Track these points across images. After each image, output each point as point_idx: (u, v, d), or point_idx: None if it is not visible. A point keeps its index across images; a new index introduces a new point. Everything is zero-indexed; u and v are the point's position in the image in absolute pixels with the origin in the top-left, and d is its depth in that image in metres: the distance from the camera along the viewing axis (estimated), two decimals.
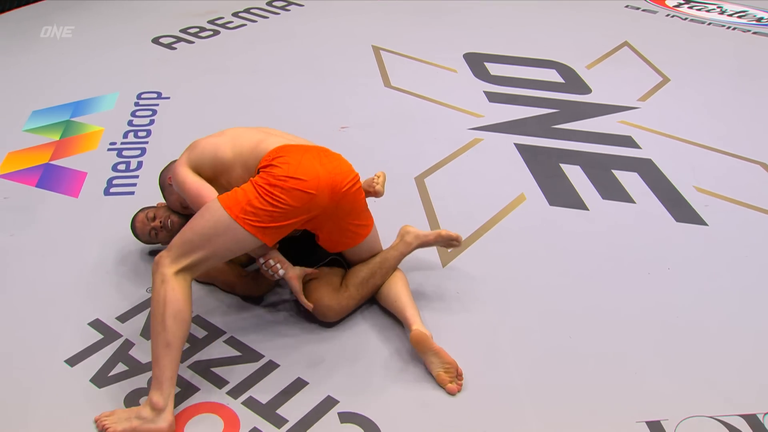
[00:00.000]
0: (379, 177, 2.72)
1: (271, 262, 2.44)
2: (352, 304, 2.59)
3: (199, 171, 2.50)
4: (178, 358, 2.16)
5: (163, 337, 2.13)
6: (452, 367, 2.35)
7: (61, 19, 5.55)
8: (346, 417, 2.23)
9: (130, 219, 2.87)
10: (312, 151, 2.42)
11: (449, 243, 2.76)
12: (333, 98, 4.42)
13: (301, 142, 2.51)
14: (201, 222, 2.26)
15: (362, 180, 2.63)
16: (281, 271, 2.44)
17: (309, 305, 2.50)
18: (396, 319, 2.61)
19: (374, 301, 2.68)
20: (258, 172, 2.35)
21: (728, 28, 5.88)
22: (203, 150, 2.52)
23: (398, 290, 2.59)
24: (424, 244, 2.74)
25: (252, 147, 2.46)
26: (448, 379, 2.33)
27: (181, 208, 2.71)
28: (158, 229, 2.76)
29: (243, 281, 2.70)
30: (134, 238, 2.88)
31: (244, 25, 5.59)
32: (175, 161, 2.69)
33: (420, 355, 2.41)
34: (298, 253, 2.62)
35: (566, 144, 3.94)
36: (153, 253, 2.93)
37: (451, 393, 2.32)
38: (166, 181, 2.72)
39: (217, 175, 2.51)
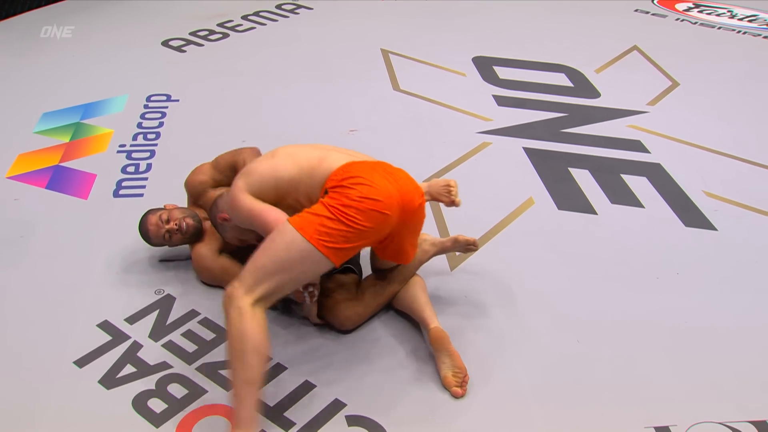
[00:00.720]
0: (453, 187, 2.59)
1: (312, 288, 2.42)
2: (368, 312, 2.59)
3: (261, 196, 2.36)
4: (259, 394, 2.10)
5: (244, 374, 2.05)
6: (461, 372, 2.35)
7: (68, 21, 5.58)
8: (353, 420, 2.23)
9: (139, 221, 2.83)
10: (379, 168, 2.32)
11: (466, 248, 2.72)
12: (342, 101, 4.43)
13: (361, 158, 2.41)
14: (273, 246, 2.15)
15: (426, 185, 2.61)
16: (314, 299, 2.44)
17: (318, 321, 2.53)
18: (405, 324, 2.61)
19: (385, 306, 2.68)
20: (326, 192, 2.26)
21: (738, 32, 5.86)
22: (262, 174, 2.37)
23: (416, 292, 2.58)
24: (442, 250, 2.73)
25: (315, 164, 2.35)
26: (454, 382, 2.33)
27: (238, 242, 2.57)
28: (173, 232, 2.73)
29: None
30: (142, 239, 2.85)
31: (254, 28, 5.61)
32: (220, 196, 2.57)
33: (434, 352, 2.41)
34: None
35: (575, 148, 3.93)
36: (161, 257, 2.93)
37: (455, 396, 2.32)
38: (217, 218, 2.54)
39: (282, 197, 2.39)
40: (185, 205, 2.98)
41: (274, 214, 2.30)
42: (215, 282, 2.76)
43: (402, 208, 2.29)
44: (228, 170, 2.84)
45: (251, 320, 2.07)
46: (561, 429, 2.23)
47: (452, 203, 2.59)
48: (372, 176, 2.24)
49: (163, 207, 2.86)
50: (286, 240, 2.14)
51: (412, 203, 2.34)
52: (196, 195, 2.91)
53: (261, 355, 2.07)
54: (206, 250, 2.76)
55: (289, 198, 2.40)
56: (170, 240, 2.76)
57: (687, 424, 2.24)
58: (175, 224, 2.73)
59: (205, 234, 2.80)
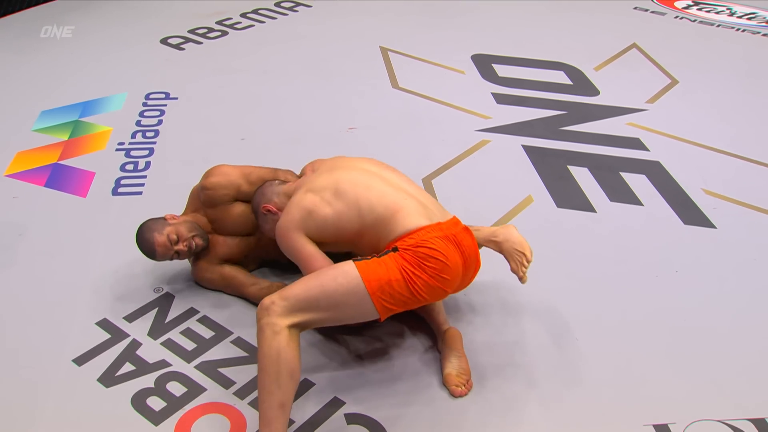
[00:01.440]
0: (529, 262, 2.40)
1: None
2: None
3: (314, 239, 2.33)
4: (288, 418, 2.06)
5: (277, 397, 2.00)
6: (465, 375, 2.35)
7: (67, 19, 5.57)
8: (352, 418, 2.23)
9: (140, 235, 2.64)
10: (452, 239, 2.23)
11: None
12: (341, 99, 4.42)
13: (435, 214, 2.32)
14: (333, 285, 2.09)
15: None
16: None
17: None
18: (405, 323, 2.61)
19: None
20: (396, 249, 2.18)
21: (737, 30, 5.85)
22: (325, 221, 2.31)
23: None
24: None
25: (388, 217, 2.26)
26: (456, 381, 2.33)
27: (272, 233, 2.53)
28: (182, 254, 2.62)
29: (254, 291, 2.66)
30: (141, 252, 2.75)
31: (252, 25, 5.60)
32: (270, 184, 2.57)
33: (445, 350, 2.42)
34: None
35: (574, 146, 3.93)
36: None
37: (454, 395, 2.32)
38: (261, 208, 2.53)
39: (341, 242, 2.36)
40: (184, 206, 2.85)
41: (320, 263, 2.28)
42: (219, 290, 2.75)
43: (461, 282, 2.31)
44: (260, 181, 2.68)
45: (288, 343, 2.02)
46: (560, 427, 2.23)
47: (517, 273, 2.40)
48: (447, 251, 2.18)
49: (163, 218, 2.66)
50: (349, 285, 2.09)
51: (469, 278, 2.34)
52: (213, 203, 2.69)
53: (295, 380, 2.03)
54: (207, 264, 2.73)
55: (346, 245, 2.37)
56: (177, 258, 2.65)
57: (686, 422, 2.24)
58: (185, 245, 2.59)
59: (209, 248, 2.72)
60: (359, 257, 2.19)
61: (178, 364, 2.42)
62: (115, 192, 3.38)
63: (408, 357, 2.48)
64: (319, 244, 2.35)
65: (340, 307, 2.11)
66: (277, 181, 2.61)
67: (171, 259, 2.64)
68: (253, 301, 2.67)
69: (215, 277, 2.71)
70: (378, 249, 2.29)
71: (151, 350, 2.47)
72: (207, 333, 2.56)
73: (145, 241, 2.61)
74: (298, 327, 2.08)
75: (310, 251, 2.31)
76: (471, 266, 2.32)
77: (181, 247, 2.59)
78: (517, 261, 2.41)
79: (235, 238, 2.75)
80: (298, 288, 2.10)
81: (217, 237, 2.74)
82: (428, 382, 2.38)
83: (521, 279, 2.39)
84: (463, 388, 2.33)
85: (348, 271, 2.12)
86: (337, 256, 2.36)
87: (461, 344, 2.44)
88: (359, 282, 2.10)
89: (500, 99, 4.47)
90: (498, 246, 2.47)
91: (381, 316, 2.15)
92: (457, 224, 2.32)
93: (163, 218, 2.66)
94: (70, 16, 5.62)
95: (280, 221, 2.39)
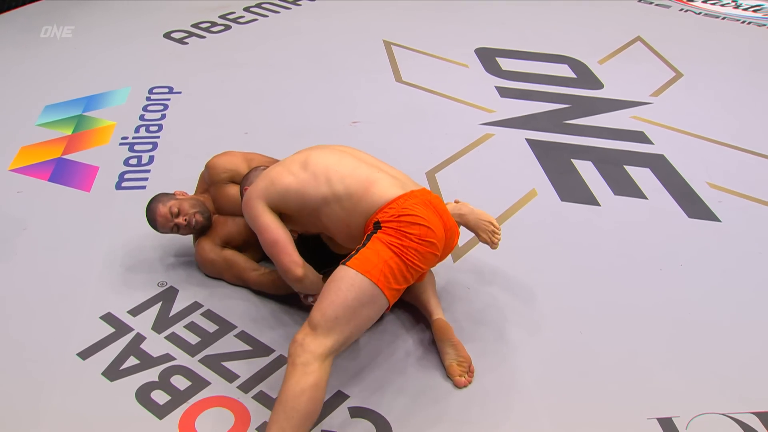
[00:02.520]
0: (498, 233, 2.56)
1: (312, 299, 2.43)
2: None
3: (279, 209, 2.34)
4: None
5: None
6: (466, 362, 2.36)
7: (69, 14, 5.57)
8: (356, 412, 2.23)
9: (148, 204, 2.76)
10: (429, 204, 2.26)
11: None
12: (344, 93, 4.42)
13: (409, 184, 2.33)
14: (343, 294, 2.06)
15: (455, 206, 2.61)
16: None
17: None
18: (408, 315, 2.61)
19: None
20: (377, 224, 2.19)
21: (743, 22, 5.83)
22: (287, 189, 2.31)
23: (424, 284, 2.57)
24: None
25: (361, 191, 2.25)
26: (458, 371, 2.34)
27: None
28: (181, 227, 2.70)
29: (254, 276, 2.69)
30: (147, 228, 2.79)
31: (256, 20, 5.59)
32: (255, 170, 2.63)
33: (438, 343, 2.42)
34: (320, 257, 2.61)
35: (578, 139, 3.92)
36: (164, 249, 2.93)
37: (458, 386, 2.32)
38: (243, 189, 2.60)
39: (304, 215, 2.35)
40: (194, 187, 2.96)
41: (276, 233, 2.30)
42: (217, 275, 2.77)
43: (445, 248, 2.31)
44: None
45: (315, 383, 1.98)
46: (564, 420, 2.23)
47: (490, 244, 2.56)
48: (428, 216, 2.20)
49: (173, 194, 2.79)
50: (356, 286, 2.07)
51: (452, 242, 2.35)
52: (214, 181, 2.82)
53: (311, 422, 2.00)
54: (210, 244, 2.76)
55: (309, 218, 2.34)
56: (178, 232, 2.74)
57: (690, 416, 2.24)
58: (185, 219, 2.69)
59: (211, 228, 2.79)
60: (344, 258, 2.16)
61: (182, 358, 2.42)
62: (118, 186, 3.38)
63: (410, 349, 2.49)
64: (286, 217, 2.36)
65: (358, 312, 2.08)
66: (262, 167, 2.64)
67: (172, 231, 2.73)
68: (253, 288, 2.69)
69: (217, 258, 2.73)
70: (350, 226, 2.28)
71: (156, 344, 2.48)
72: (211, 327, 2.56)
73: (150, 210, 2.74)
74: (332, 354, 2.05)
75: (267, 221, 2.31)
76: (450, 230, 2.33)
77: (180, 220, 2.68)
78: (487, 231, 2.53)
79: (236, 219, 2.78)
80: (317, 315, 2.06)
81: (219, 217, 2.81)
82: (431, 373, 2.38)
83: (493, 247, 2.56)
84: (466, 377, 2.33)
85: (346, 275, 2.10)
86: (321, 257, 2.44)
87: (452, 332, 2.42)
88: (362, 279, 2.08)
89: (504, 92, 4.46)
90: (463, 218, 2.57)
91: (390, 302, 2.15)
92: (429, 193, 2.34)
93: (173, 194, 2.79)
94: (72, 11, 5.62)
95: (246, 192, 2.42)
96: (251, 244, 2.77)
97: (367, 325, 2.16)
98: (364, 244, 2.17)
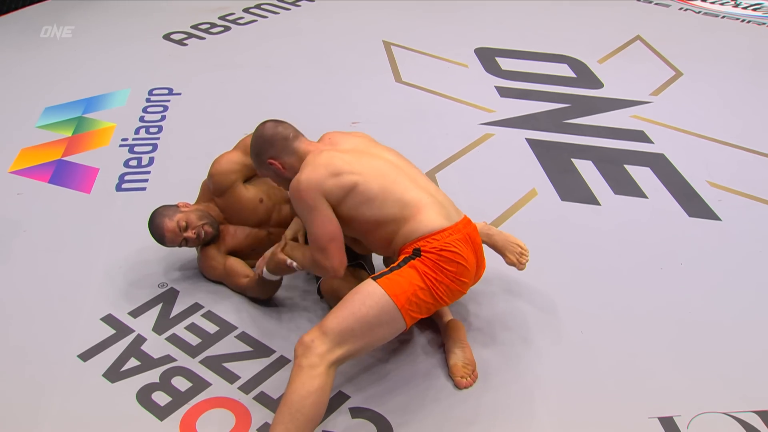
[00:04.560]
0: (526, 257, 2.57)
1: (291, 262, 2.38)
2: None
3: (333, 206, 2.22)
4: None
5: None
6: (470, 365, 2.36)
7: (68, 16, 5.57)
8: (357, 412, 2.23)
9: (151, 219, 2.67)
10: (469, 239, 2.23)
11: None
12: (344, 94, 4.42)
13: (449, 208, 2.30)
14: (364, 309, 2.04)
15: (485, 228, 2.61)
16: (295, 263, 2.38)
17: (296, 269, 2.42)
18: None
19: None
20: (416, 251, 2.16)
21: (742, 21, 5.82)
22: (351, 189, 2.21)
23: None
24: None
25: (409, 215, 2.21)
26: (462, 372, 2.34)
27: (278, 183, 2.45)
28: (191, 241, 2.65)
29: (244, 283, 2.67)
30: (147, 230, 2.76)
31: (255, 21, 5.60)
32: (275, 136, 2.34)
33: (447, 342, 2.43)
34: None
35: (578, 139, 3.92)
36: (165, 251, 2.93)
37: (459, 387, 2.32)
38: (266, 159, 2.35)
39: (354, 222, 2.25)
40: (197, 189, 2.86)
41: (332, 229, 2.19)
42: (219, 280, 2.76)
43: (472, 282, 2.31)
44: None
45: (321, 387, 1.97)
46: (564, 420, 2.23)
47: (517, 265, 2.56)
48: (467, 254, 2.19)
49: (175, 205, 2.70)
50: (379, 305, 2.05)
51: (478, 276, 2.35)
52: (222, 189, 2.71)
53: (314, 425, 1.99)
54: (214, 251, 2.74)
55: (353, 221, 2.25)
56: (186, 245, 2.68)
57: (691, 415, 2.24)
58: (194, 233, 2.62)
59: (219, 237, 2.74)
60: (376, 275, 2.14)
61: (183, 359, 2.42)
62: (119, 188, 3.38)
63: (412, 350, 2.48)
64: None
65: (374, 330, 2.07)
66: (291, 135, 2.37)
67: (180, 245, 2.66)
68: (244, 293, 2.69)
69: (218, 266, 2.72)
70: (389, 245, 2.26)
71: (156, 345, 2.48)
72: (211, 328, 2.56)
73: (156, 226, 2.64)
74: (337, 363, 2.04)
75: (327, 214, 2.19)
76: (480, 264, 2.33)
77: (190, 234, 2.61)
78: (515, 253, 2.55)
79: (245, 229, 2.77)
80: (332, 321, 2.04)
81: (228, 227, 2.77)
82: (433, 374, 2.38)
83: (520, 268, 2.58)
84: (469, 379, 2.33)
85: (373, 292, 2.08)
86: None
87: (464, 335, 2.44)
88: (387, 300, 2.06)
89: (504, 92, 4.46)
90: (491, 239, 2.58)
91: (407, 326, 2.14)
92: (470, 223, 2.32)
93: (176, 206, 2.70)
94: (72, 13, 5.62)
95: (301, 176, 2.22)
96: (258, 252, 2.71)
97: (377, 344, 2.15)
98: (399, 266, 2.15)
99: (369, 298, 2.07)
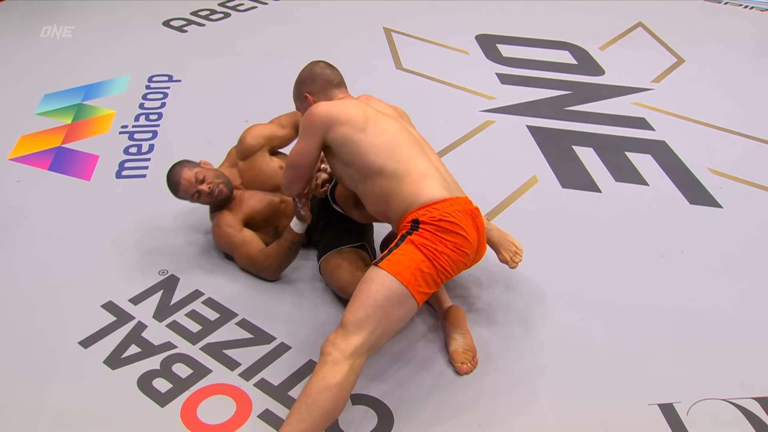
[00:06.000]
0: (520, 256, 2.57)
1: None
2: None
3: (329, 146, 2.30)
4: None
5: (305, 427, 1.93)
6: (471, 352, 2.36)
7: (69, 2, 5.55)
8: (357, 399, 2.24)
9: (171, 168, 2.75)
10: (470, 215, 2.23)
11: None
12: (345, 80, 4.39)
13: (453, 185, 2.31)
14: (374, 295, 2.05)
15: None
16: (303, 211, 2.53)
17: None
18: None
19: None
20: (414, 222, 2.16)
21: (745, 7, 5.79)
22: (359, 143, 2.25)
23: None
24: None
25: (416, 180, 2.22)
26: (462, 358, 2.34)
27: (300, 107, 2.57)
28: (203, 194, 2.70)
29: (262, 252, 2.69)
30: (147, 217, 2.78)
31: (255, 7, 5.57)
32: (319, 71, 2.52)
33: (448, 328, 2.43)
34: (332, 233, 2.68)
35: (579, 126, 3.91)
36: (165, 237, 2.93)
37: (459, 372, 2.33)
38: (303, 92, 2.50)
39: (354, 168, 2.28)
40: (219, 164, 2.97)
41: (303, 164, 2.33)
42: (229, 251, 2.76)
43: (474, 260, 2.30)
44: (290, 127, 2.94)
45: (341, 382, 1.96)
46: (565, 406, 2.24)
47: (509, 262, 2.56)
48: (467, 226, 2.18)
49: (198, 162, 2.80)
50: (386, 287, 2.06)
51: (480, 255, 2.33)
52: (247, 151, 2.87)
53: (330, 419, 1.98)
54: (232, 218, 2.76)
55: (357, 172, 2.28)
56: (197, 199, 2.74)
57: (691, 401, 2.24)
58: (208, 187, 2.69)
59: (233, 202, 2.80)
60: (377, 259, 2.14)
61: (183, 346, 2.43)
62: (119, 175, 3.38)
63: (411, 336, 2.49)
64: (334, 158, 2.33)
65: (389, 313, 2.06)
66: (336, 81, 2.53)
67: (192, 197, 2.72)
68: (251, 268, 2.71)
69: (235, 233, 2.74)
70: (387, 205, 2.26)
71: (157, 332, 2.48)
72: (212, 315, 2.57)
73: (174, 172, 2.73)
74: (363, 355, 2.03)
75: (309, 148, 2.31)
76: (482, 244, 2.31)
77: (204, 187, 2.69)
78: (509, 251, 2.55)
79: (259, 194, 2.82)
80: (348, 315, 2.05)
81: (243, 192, 2.83)
82: (432, 360, 2.39)
83: (512, 266, 2.56)
84: (469, 365, 2.34)
85: (377, 276, 2.08)
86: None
87: (465, 321, 2.45)
88: (392, 280, 2.06)
89: (505, 79, 4.44)
90: (488, 233, 2.55)
91: (419, 304, 2.13)
92: (470, 202, 2.32)
93: (198, 162, 2.81)
94: (72, 4, 5.61)
95: (320, 105, 2.33)
96: (271, 223, 2.80)
97: (398, 326, 2.13)
98: (397, 245, 2.15)
99: (375, 283, 2.07)
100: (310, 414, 1.93)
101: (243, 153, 2.89)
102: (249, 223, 2.79)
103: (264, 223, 2.81)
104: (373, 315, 2.04)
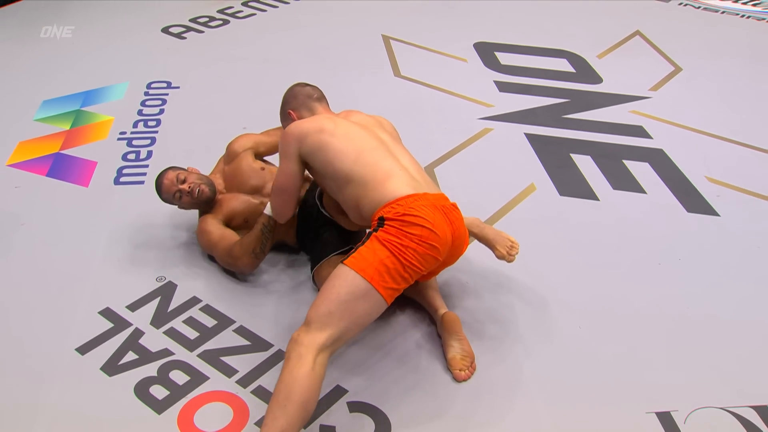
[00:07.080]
0: (516, 250, 2.59)
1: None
2: None
3: (305, 160, 2.41)
4: None
5: (280, 423, 1.92)
6: (469, 358, 2.36)
7: (69, 8, 5.56)
8: (354, 406, 2.23)
9: (159, 174, 2.86)
10: (439, 207, 2.24)
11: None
12: (343, 88, 4.39)
13: (424, 187, 2.32)
14: (335, 291, 2.09)
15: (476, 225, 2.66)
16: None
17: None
18: (406, 310, 2.61)
19: None
20: (381, 220, 2.19)
21: (742, 16, 5.82)
22: (327, 149, 2.35)
23: (428, 280, 2.58)
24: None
25: (379, 181, 2.27)
26: (460, 365, 2.34)
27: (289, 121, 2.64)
28: (184, 193, 2.77)
29: (243, 242, 2.70)
30: (145, 224, 2.82)
31: (254, 14, 5.58)
32: (302, 91, 2.63)
33: (444, 335, 2.43)
34: (324, 242, 2.69)
35: (577, 134, 3.92)
36: (163, 244, 2.93)
37: (458, 379, 2.33)
38: (287, 110, 2.63)
39: (324, 179, 2.42)
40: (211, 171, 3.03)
41: (289, 186, 2.44)
42: (209, 249, 2.79)
43: (451, 255, 2.30)
44: (278, 136, 2.93)
45: (308, 372, 1.97)
46: (562, 414, 2.23)
47: (506, 257, 2.58)
48: (433, 218, 2.18)
49: (185, 168, 2.89)
50: (348, 282, 2.09)
51: (460, 250, 2.34)
52: (233, 156, 2.95)
53: (306, 410, 1.96)
54: (212, 219, 2.82)
55: (332, 180, 2.37)
56: (179, 201, 2.80)
57: (688, 410, 2.24)
58: (189, 187, 2.77)
59: (216, 206, 2.85)
60: (345, 258, 2.18)
61: (180, 353, 2.42)
62: (117, 181, 3.38)
63: (408, 343, 2.49)
64: (314, 171, 2.45)
65: (352, 308, 2.08)
66: (315, 96, 2.64)
67: (174, 198, 2.80)
68: (232, 265, 2.71)
69: (215, 230, 2.78)
70: (360, 209, 2.31)
71: (154, 339, 2.48)
72: (209, 322, 2.56)
73: (159, 175, 2.86)
74: (327, 349, 2.05)
75: (290, 168, 2.42)
76: (460, 238, 2.32)
77: (184, 186, 2.77)
78: (505, 246, 2.57)
79: (240, 197, 2.86)
80: (311, 311, 2.09)
81: (225, 195, 2.89)
82: (430, 367, 2.39)
83: (509, 260, 2.59)
84: (467, 371, 2.33)
85: (340, 272, 2.13)
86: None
87: (460, 327, 2.44)
88: (355, 275, 2.09)
89: (503, 87, 4.46)
90: (483, 231, 2.62)
91: (387, 301, 2.14)
92: (446, 199, 2.34)
93: (186, 168, 2.92)
94: (71, 5, 5.61)
95: (290, 124, 2.47)
96: (251, 223, 2.81)
97: (363, 321, 2.15)
98: (363, 242, 2.18)
99: (337, 279, 2.12)
100: (283, 410, 1.94)
101: (228, 157, 2.99)
102: (229, 223, 2.83)
103: (244, 224, 2.84)
104: (335, 311, 2.07)
